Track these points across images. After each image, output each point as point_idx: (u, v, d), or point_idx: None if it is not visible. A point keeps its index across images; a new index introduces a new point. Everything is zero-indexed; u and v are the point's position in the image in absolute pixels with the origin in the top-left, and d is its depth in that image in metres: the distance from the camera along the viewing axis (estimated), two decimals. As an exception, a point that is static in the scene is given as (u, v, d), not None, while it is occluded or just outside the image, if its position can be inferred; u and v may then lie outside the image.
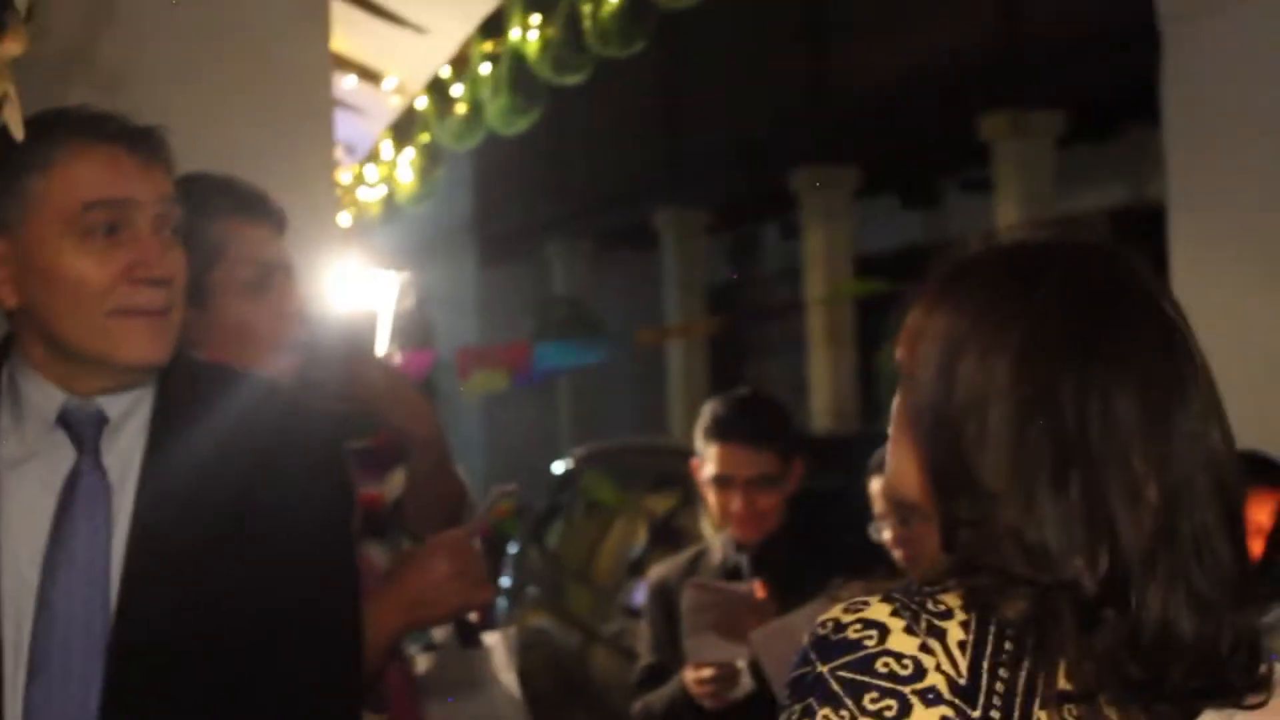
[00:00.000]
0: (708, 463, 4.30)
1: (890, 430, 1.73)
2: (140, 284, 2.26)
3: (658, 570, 4.63)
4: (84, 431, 2.28)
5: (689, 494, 4.44)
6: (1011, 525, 1.58)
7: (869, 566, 4.14)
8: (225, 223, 2.79)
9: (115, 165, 2.28)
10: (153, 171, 2.31)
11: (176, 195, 2.35)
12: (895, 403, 1.72)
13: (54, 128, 2.30)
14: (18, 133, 2.31)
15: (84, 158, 2.27)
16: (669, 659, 4.28)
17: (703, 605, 4.09)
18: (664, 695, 4.25)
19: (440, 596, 2.82)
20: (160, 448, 2.29)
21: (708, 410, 4.37)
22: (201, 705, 2.23)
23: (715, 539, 4.45)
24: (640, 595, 4.76)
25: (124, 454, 2.29)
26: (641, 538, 8.41)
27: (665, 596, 4.36)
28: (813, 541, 4.42)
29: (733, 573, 4.26)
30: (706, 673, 4.07)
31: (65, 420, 2.28)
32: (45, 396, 2.29)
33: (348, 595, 2.39)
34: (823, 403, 15.60)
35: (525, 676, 3.87)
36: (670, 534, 7.88)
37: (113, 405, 2.30)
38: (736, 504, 4.24)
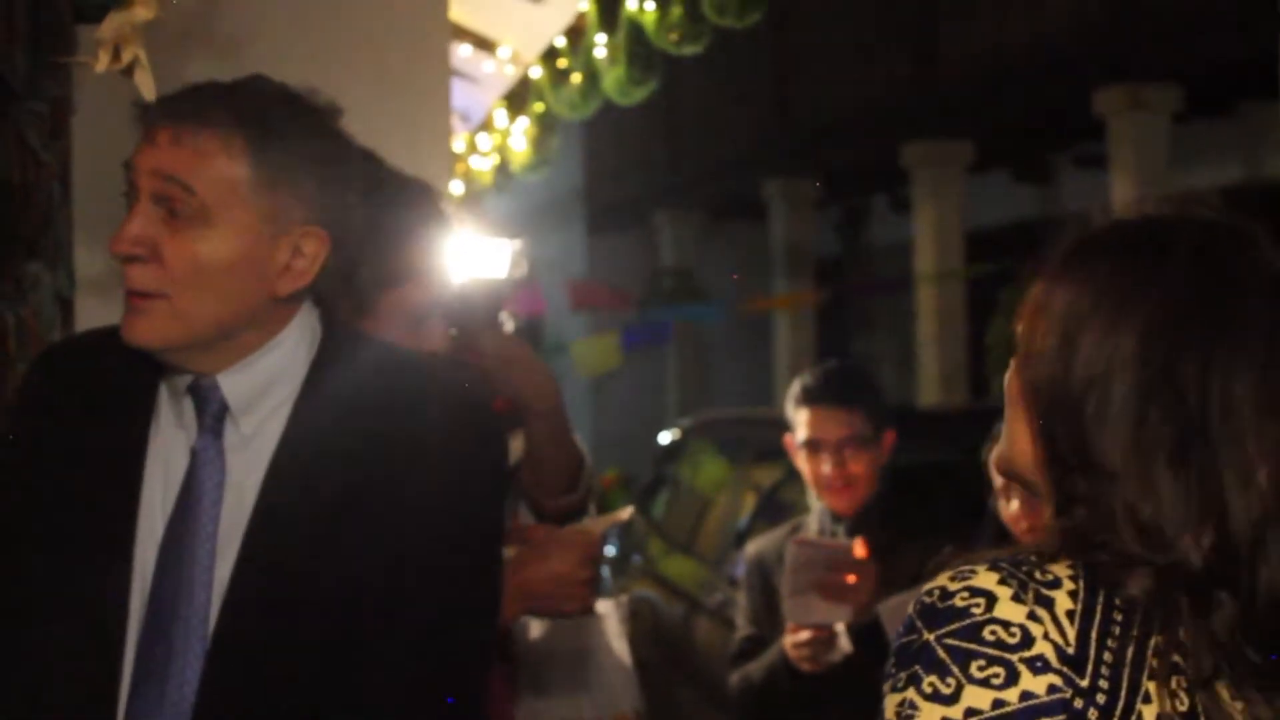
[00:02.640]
0: (799, 430, 4.34)
1: (1005, 406, 1.72)
2: (119, 259, 2.23)
3: (755, 544, 4.66)
4: (206, 408, 2.28)
5: (795, 466, 4.45)
6: (1128, 503, 1.58)
7: (972, 539, 4.14)
8: (420, 247, 2.78)
9: (144, 134, 2.25)
10: (154, 142, 2.23)
11: (217, 183, 2.21)
12: (1009, 378, 1.72)
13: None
14: (149, 94, 2.36)
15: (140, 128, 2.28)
16: (767, 631, 4.30)
17: (805, 563, 4.10)
18: (763, 663, 4.28)
19: (560, 593, 2.83)
20: (298, 430, 2.26)
21: (796, 382, 4.42)
22: (297, 702, 2.20)
23: (812, 512, 4.47)
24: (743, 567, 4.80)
25: (256, 434, 2.27)
26: (747, 509, 8.41)
27: (763, 570, 4.39)
28: (911, 514, 4.44)
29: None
30: (804, 636, 4.09)
31: (194, 393, 2.29)
32: (178, 371, 2.30)
33: (491, 584, 2.34)
34: (931, 377, 15.50)
35: (630, 645, 3.89)
36: (776, 506, 7.88)
37: (230, 384, 2.27)
38: (828, 467, 4.27)
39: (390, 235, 2.72)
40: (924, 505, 4.95)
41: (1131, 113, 13.03)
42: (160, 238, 2.20)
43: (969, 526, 4.54)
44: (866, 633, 4.01)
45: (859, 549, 4.14)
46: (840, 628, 4.07)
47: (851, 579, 4.04)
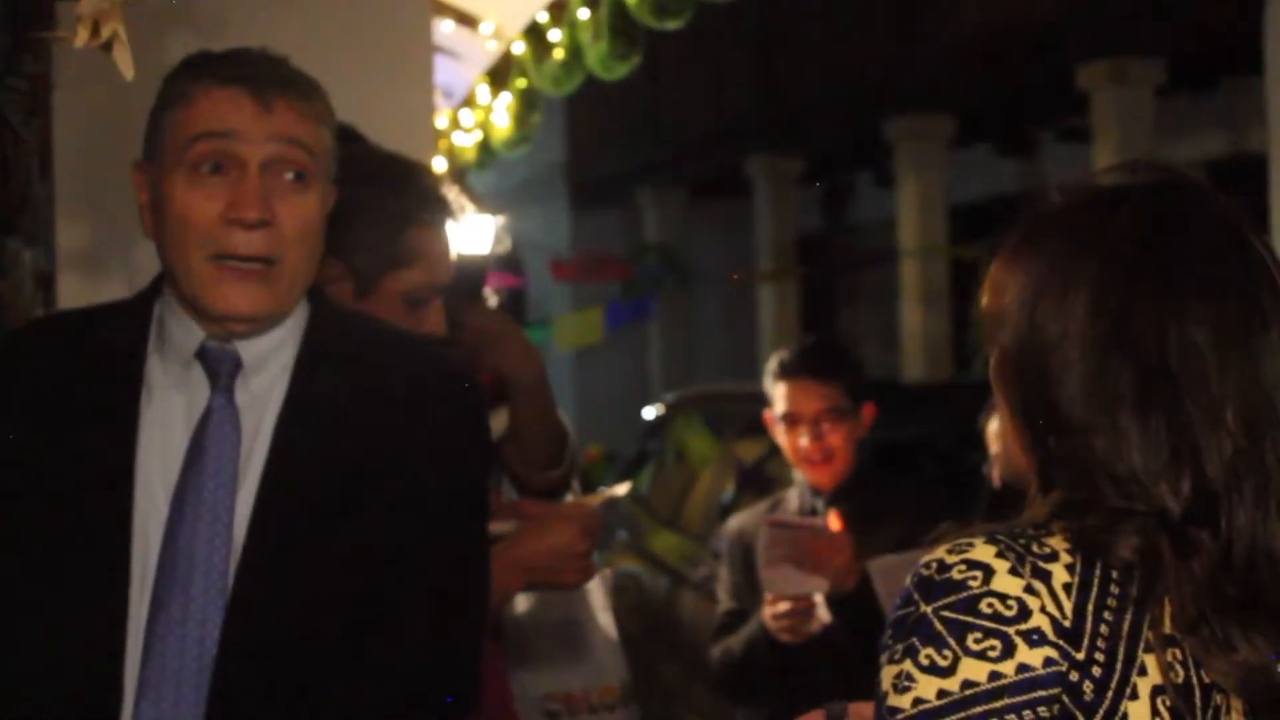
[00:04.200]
0: (776, 404, 4.36)
1: (994, 390, 1.74)
2: (235, 226, 2.26)
3: (736, 519, 4.68)
4: (220, 369, 2.31)
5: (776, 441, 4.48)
6: (1100, 457, 1.59)
7: (952, 512, 4.16)
8: (421, 230, 2.80)
9: (232, 102, 2.29)
10: (275, 111, 2.29)
11: (322, 147, 2.33)
12: (992, 362, 1.73)
13: (198, 66, 2.34)
14: (127, 72, 2.35)
15: (208, 95, 2.30)
16: (748, 605, 4.32)
17: (778, 540, 4.12)
18: (743, 636, 4.30)
19: (559, 566, 2.85)
20: (301, 394, 2.31)
21: (774, 357, 4.45)
22: (318, 656, 2.24)
23: (793, 487, 4.49)
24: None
25: (261, 397, 2.31)
26: (732, 484, 8.42)
27: (744, 544, 4.40)
28: (893, 487, 4.46)
29: (809, 518, 4.29)
30: (783, 606, 4.11)
31: (203, 357, 2.31)
32: (186, 332, 2.32)
33: (477, 553, 2.39)
34: (915, 352, 15.53)
35: (615, 619, 3.90)
36: (760, 480, 7.89)
37: (249, 348, 2.31)
38: (805, 440, 4.29)
39: (390, 218, 2.74)
40: (907, 478, 4.97)
41: (1115, 87, 13.04)
42: (276, 203, 2.28)
43: (952, 498, 4.56)
44: (845, 603, 4.03)
45: (833, 521, 4.16)
46: (818, 598, 4.09)
47: (826, 552, 4.06)
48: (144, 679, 2.21)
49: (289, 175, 2.29)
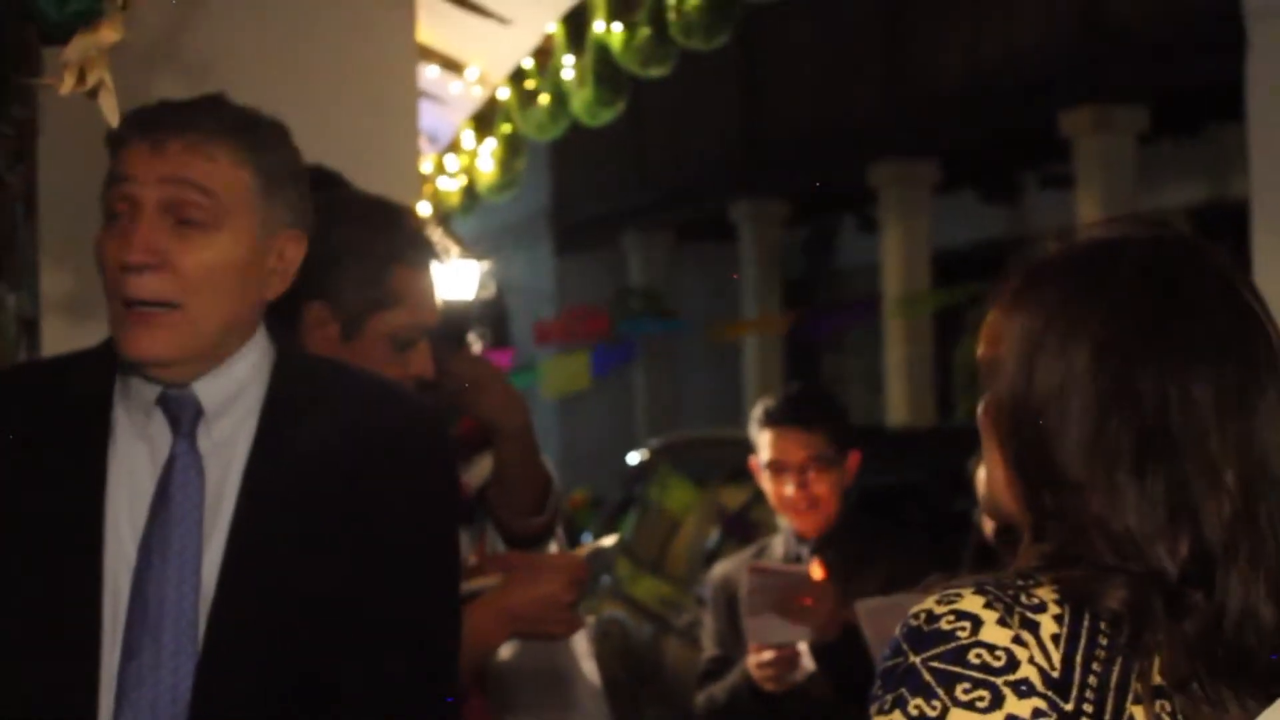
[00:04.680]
0: (762, 452, 4.35)
1: (982, 443, 1.74)
2: (128, 271, 2.22)
3: (721, 566, 4.68)
4: (181, 416, 2.29)
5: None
6: (1096, 515, 1.59)
7: (937, 557, 4.16)
8: (406, 271, 2.79)
9: (133, 148, 2.26)
10: (167, 154, 2.24)
11: (230, 188, 2.25)
12: (980, 413, 1.73)
13: (124, 121, 2.33)
14: (113, 118, 2.35)
15: (123, 145, 2.28)
16: (733, 652, 4.31)
17: (762, 588, 4.12)
18: (727, 683, 4.29)
19: (545, 616, 2.84)
20: (268, 439, 2.28)
21: (759, 405, 4.45)
22: (290, 701, 2.22)
23: (778, 533, 4.49)
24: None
25: (226, 443, 2.29)
26: (716, 530, 8.41)
27: (729, 591, 4.39)
28: (877, 534, 4.45)
29: (795, 564, 4.28)
30: (767, 655, 4.10)
31: (164, 404, 2.29)
32: (144, 380, 2.30)
33: (447, 599, 2.37)
34: (899, 397, 15.55)
35: (599, 666, 3.89)
36: (744, 526, 7.89)
37: (208, 394, 2.29)
38: (790, 489, 4.29)
39: (374, 259, 2.74)
40: (892, 523, 4.97)
41: (1098, 133, 13.10)
42: (170, 245, 2.22)
43: (936, 545, 4.56)
44: (828, 652, 4.02)
45: (815, 570, 4.16)
46: (802, 647, 4.08)
47: (809, 601, 4.05)
48: None
49: (184, 218, 2.24)
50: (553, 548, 3.26)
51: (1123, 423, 1.60)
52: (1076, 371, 1.62)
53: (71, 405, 2.32)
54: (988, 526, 3.87)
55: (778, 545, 4.43)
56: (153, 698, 2.19)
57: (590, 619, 4.24)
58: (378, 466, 2.29)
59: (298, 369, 2.36)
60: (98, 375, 2.31)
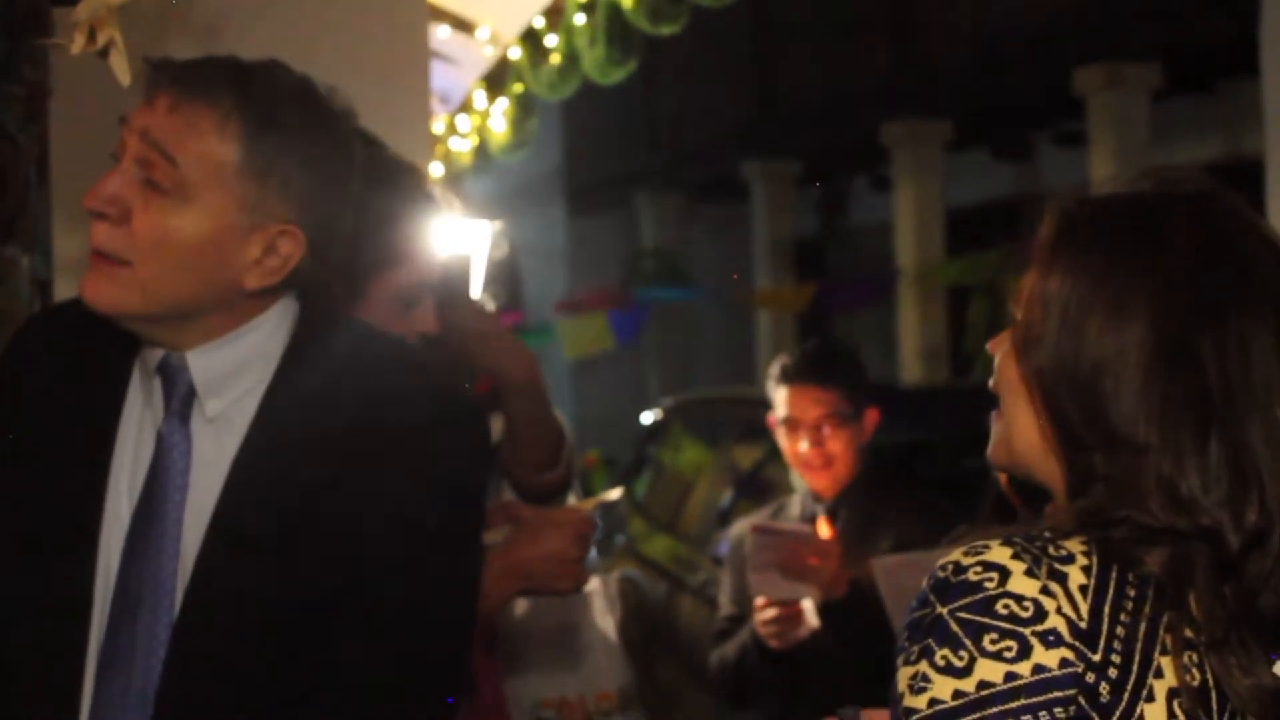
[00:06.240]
0: (778, 408, 4.35)
1: (1001, 395, 1.73)
2: (92, 216, 2.15)
3: (739, 525, 4.66)
4: (174, 391, 2.22)
5: (777, 445, 4.45)
6: (1163, 476, 1.59)
7: (953, 516, 4.15)
8: (409, 228, 2.77)
9: (145, 96, 2.18)
10: (153, 105, 2.15)
11: (199, 161, 2.13)
12: (1001, 366, 1.72)
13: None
14: (124, 78, 2.35)
15: (144, 87, 2.20)
16: (747, 611, 4.31)
17: (765, 546, 4.12)
18: (736, 641, 4.30)
19: (553, 572, 2.83)
20: (267, 421, 2.20)
21: (776, 361, 4.44)
22: (260, 696, 2.15)
23: (795, 493, 4.48)
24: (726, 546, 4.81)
25: (220, 422, 2.21)
26: (729, 489, 8.41)
27: (744, 550, 4.39)
28: (893, 492, 4.44)
29: (810, 524, 4.28)
30: (771, 612, 4.10)
31: (163, 372, 2.23)
32: (149, 346, 2.25)
33: (449, 601, 2.25)
34: (912, 356, 15.53)
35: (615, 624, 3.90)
36: (757, 486, 7.89)
37: (201, 368, 2.21)
38: (805, 446, 4.28)
39: (381, 218, 2.71)
40: (908, 482, 4.95)
41: (1111, 91, 13.04)
42: (134, 201, 2.14)
43: (950, 503, 4.55)
44: (835, 610, 4.02)
45: (823, 529, 4.16)
46: (807, 604, 4.08)
47: (814, 560, 4.05)
48: (95, 709, 2.17)
49: (148, 178, 2.14)
50: (570, 501, 3.25)
51: (1186, 388, 1.60)
52: (1133, 336, 1.61)
53: (96, 360, 2.28)
54: (1002, 480, 3.86)
55: (794, 505, 4.43)
56: (125, 680, 2.15)
57: (610, 576, 4.23)
58: (397, 447, 2.18)
59: (312, 341, 2.24)
60: (125, 330, 2.24)
